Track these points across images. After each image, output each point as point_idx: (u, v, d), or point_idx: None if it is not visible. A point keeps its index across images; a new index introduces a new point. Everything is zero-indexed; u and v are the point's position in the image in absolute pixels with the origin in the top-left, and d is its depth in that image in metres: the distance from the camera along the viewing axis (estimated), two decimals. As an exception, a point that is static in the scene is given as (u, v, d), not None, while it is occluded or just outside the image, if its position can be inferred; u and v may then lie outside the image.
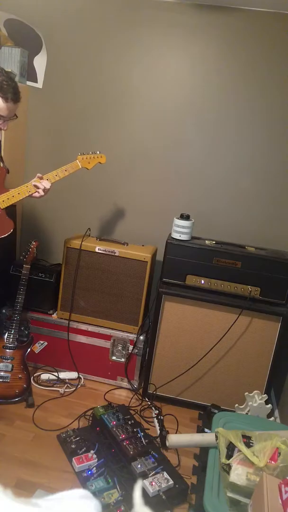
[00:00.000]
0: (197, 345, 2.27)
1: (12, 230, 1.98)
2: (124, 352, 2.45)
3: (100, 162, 2.21)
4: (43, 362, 2.54)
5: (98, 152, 2.19)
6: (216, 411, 2.13)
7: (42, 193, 2.02)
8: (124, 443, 1.84)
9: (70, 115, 2.66)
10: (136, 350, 2.43)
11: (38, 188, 2.00)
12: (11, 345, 2.21)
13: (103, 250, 2.36)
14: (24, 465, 1.81)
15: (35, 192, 2.01)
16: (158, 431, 2.09)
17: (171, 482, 1.69)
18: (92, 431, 2.03)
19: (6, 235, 1.97)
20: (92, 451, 1.86)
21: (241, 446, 1.49)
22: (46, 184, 2.01)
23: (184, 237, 2.23)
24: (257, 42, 2.36)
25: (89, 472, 1.76)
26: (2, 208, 1.95)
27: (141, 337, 2.42)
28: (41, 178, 2.02)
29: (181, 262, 2.22)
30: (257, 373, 2.24)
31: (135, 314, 2.42)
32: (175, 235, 2.25)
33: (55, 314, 2.52)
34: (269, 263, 2.14)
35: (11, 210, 2.08)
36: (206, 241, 2.29)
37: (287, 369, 2.33)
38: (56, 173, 2.05)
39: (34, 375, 2.46)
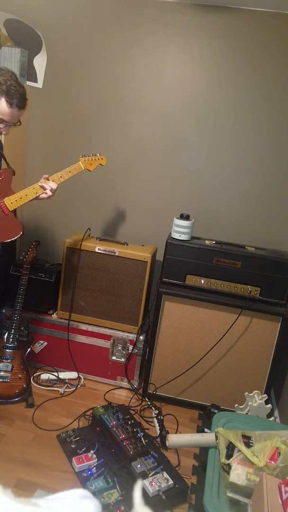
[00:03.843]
0: (197, 345, 2.27)
1: (21, 233, 1.94)
2: (124, 352, 2.45)
3: (101, 164, 2.20)
4: (43, 362, 2.54)
5: (98, 154, 2.18)
6: (216, 411, 2.13)
7: (50, 193, 1.98)
8: (124, 443, 1.84)
9: (70, 115, 2.66)
10: (136, 350, 2.43)
11: (45, 189, 1.96)
12: (11, 345, 2.21)
13: (103, 250, 2.36)
14: (24, 465, 1.81)
15: (42, 194, 1.97)
16: (158, 431, 2.09)
17: (171, 482, 1.69)
18: (92, 431, 2.03)
19: (15, 238, 1.92)
20: (92, 451, 1.86)
21: (241, 446, 1.49)
22: (52, 185, 1.97)
23: (184, 237, 2.23)
24: (257, 42, 2.36)
25: (89, 472, 1.76)
26: (10, 210, 1.90)
27: (141, 337, 2.42)
28: (47, 179, 1.98)
29: (181, 262, 2.22)
30: (257, 373, 2.24)
31: (135, 314, 2.42)
32: (175, 235, 2.25)
33: (55, 314, 2.52)
34: (269, 263, 2.14)
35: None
36: (206, 241, 2.29)
37: (287, 369, 2.33)
38: (61, 174, 2.02)
39: (34, 375, 2.46)
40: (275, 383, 2.37)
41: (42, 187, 1.96)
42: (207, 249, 2.19)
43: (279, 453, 1.45)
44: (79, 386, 2.44)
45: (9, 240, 1.91)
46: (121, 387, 2.49)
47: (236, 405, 2.16)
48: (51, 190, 1.97)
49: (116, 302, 2.42)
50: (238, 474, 1.43)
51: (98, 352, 2.47)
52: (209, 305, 2.22)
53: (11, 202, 1.90)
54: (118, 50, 2.51)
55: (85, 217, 2.80)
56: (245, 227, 2.62)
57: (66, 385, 2.42)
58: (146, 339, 2.45)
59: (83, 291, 2.44)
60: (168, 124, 2.56)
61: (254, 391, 2.11)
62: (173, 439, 1.84)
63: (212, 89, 2.47)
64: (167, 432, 2.07)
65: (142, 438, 1.89)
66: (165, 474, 1.71)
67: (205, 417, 2.21)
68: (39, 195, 1.97)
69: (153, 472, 1.72)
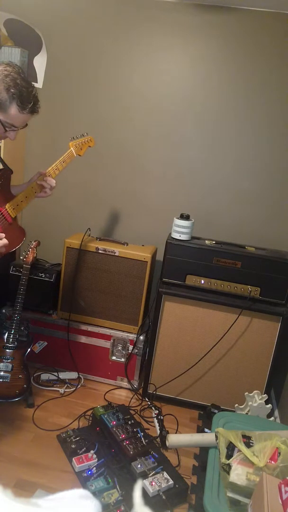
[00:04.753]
0: (197, 345, 2.27)
1: (24, 238, 1.84)
2: (124, 352, 2.45)
3: (89, 146, 2.10)
4: (43, 362, 2.54)
5: (86, 134, 2.08)
6: (216, 411, 2.13)
7: (49, 192, 1.87)
8: (124, 443, 1.84)
9: (70, 115, 2.66)
10: (136, 350, 2.43)
11: (44, 187, 1.86)
12: (11, 345, 2.21)
13: (103, 250, 2.36)
14: (24, 465, 1.81)
15: (41, 192, 1.86)
16: (158, 431, 2.09)
17: (171, 482, 1.68)
18: (92, 431, 2.03)
19: (19, 245, 1.81)
20: (92, 451, 1.86)
21: (241, 446, 1.49)
22: (51, 182, 1.86)
23: (184, 237, 2.23)
24: (257, 42, 2.36)
25: (89, 472, 1.76)
26: (13, 217, 1.78)
27: (141, 337, 2.42)
28: (43, 175, 1.87)
29: (181, 262, 2.22)
30: (257, 373, 2.24)
31: (135, 314, 2.42)
32: (175, 235, 2.25)
33: (55, 314, 2.52)
34: (269, 263, 2.14)
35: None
36: (206, 241, 2.29)
37: (287, 369, 2.33)
38: (56, 166, 1.91)
39: (34, 375, 2.46)
40: (275, 383, 2.37)
41: (42, 185, 1.86)
42: (207, 249, 2.19)
43: (279, 453, 1.45)
44: (79, 386, 2.44)
45: (14, 249, 1.80)
46: (121, 387, 2.49)
47: (236, 405, 2.16)
48: (51, 188, 1.87)
49: (116, 302, 2.42)
50: (238, 474, 1.43)
51: (98, 352, 2.47)
52: (209, 305, 2.22)
53: (13, 208, 1.77)
54: (118, 50, 2.51)
55: (85, 217, 2.80)
56: (245, 227, 2.62)
57: (66, 385, 2.42)
58: (146, 339, 2.45)
59: (83, 291, 2.44)
60: (169, 123, 2.56)
61: (254, 391, 2.11)
62: (173, 439, 1.84)
63: (212, 89, 2.47)
64: (167, 432, 2.07)
65: (142, 438, 1.89)
66: (165, 474, 1.71)
67: (205, 417, 2.21)
68: (38, 194, 1.86)
69: (153, 472, 1.72)
